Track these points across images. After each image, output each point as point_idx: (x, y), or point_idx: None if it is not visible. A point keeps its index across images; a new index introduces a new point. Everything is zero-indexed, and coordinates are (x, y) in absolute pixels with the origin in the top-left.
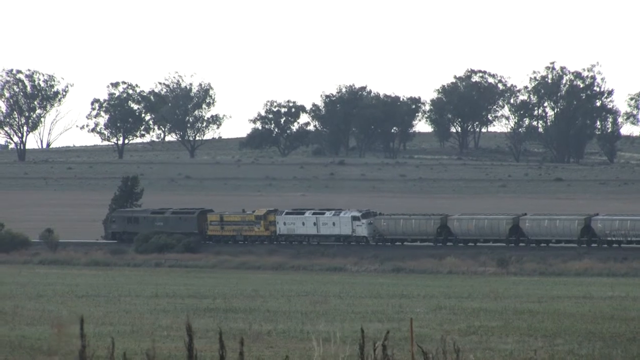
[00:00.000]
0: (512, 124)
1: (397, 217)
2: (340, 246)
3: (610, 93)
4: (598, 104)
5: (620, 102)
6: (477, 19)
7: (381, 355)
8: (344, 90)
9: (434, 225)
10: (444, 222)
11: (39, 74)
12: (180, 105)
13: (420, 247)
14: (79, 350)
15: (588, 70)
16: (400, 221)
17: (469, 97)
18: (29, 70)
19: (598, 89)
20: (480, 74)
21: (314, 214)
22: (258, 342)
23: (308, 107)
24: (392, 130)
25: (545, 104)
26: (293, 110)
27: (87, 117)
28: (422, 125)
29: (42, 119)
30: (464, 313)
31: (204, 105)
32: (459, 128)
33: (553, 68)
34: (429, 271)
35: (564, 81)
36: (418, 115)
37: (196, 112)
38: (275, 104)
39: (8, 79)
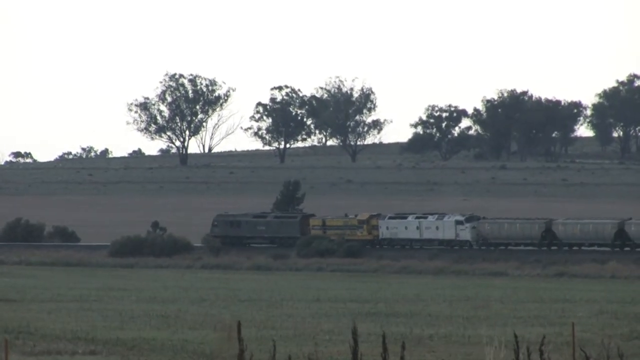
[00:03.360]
0: None
1: (502, 221)
2: (502, 251)
3: None
4: None
5: None
6: (638, 23)
7: None
8: (505, 94)
9: (538, 229)
10: (548, 226)
11: (201, 78)
12: (342, 110)
13: (583, 252)
14: (237, 354)
15: None
16: (504, 225)
17: (631, 101)
18: (191, 74)
19: None
20: None
21: (416, 218)
22: (420, 347)
23: (469, 111)
24: (553, 135)
25: None
26: (454, 114)
27: (250, 118)
28: (583, 130)
29: (204, 124)
30: (627, 318)
31: (365, 110)
32: (621, 132)
33: None
34: (591, 276)
35: None
36: (579, 120)
37: (357, 117)
38: (436, 108)
39: (171, 83)
